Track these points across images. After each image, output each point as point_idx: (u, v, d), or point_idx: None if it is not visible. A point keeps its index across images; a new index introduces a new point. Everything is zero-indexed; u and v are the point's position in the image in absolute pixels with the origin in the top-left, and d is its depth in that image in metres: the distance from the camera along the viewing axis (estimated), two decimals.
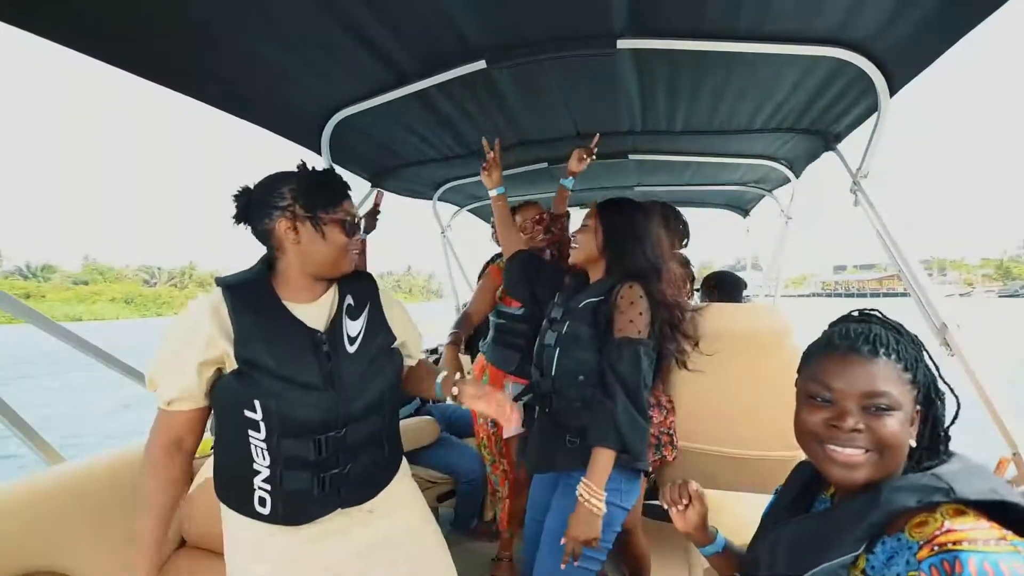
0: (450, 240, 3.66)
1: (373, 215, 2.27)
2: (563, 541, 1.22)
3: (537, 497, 1.51)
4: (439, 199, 3.21)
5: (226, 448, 1.05)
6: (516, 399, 2.01)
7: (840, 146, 1.99)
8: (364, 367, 1.07)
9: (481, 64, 1.56)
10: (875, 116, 1.61)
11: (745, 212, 3.97)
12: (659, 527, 1.94)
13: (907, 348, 0.71)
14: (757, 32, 1.40)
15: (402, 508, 1.17)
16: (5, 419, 1.35)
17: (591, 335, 1.36)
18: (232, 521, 1.06)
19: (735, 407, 1.84)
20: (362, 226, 1.54)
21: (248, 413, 0.97)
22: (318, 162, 2.03)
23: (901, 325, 0.75)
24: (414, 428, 2.26)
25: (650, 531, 1.92)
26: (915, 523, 0.62)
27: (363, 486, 1.09)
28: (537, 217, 2.14)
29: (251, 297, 1.02)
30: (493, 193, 1.83)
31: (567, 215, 2.21)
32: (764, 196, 3.35)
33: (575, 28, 1.44)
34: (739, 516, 1.24)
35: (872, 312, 0.79)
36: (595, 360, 1.34)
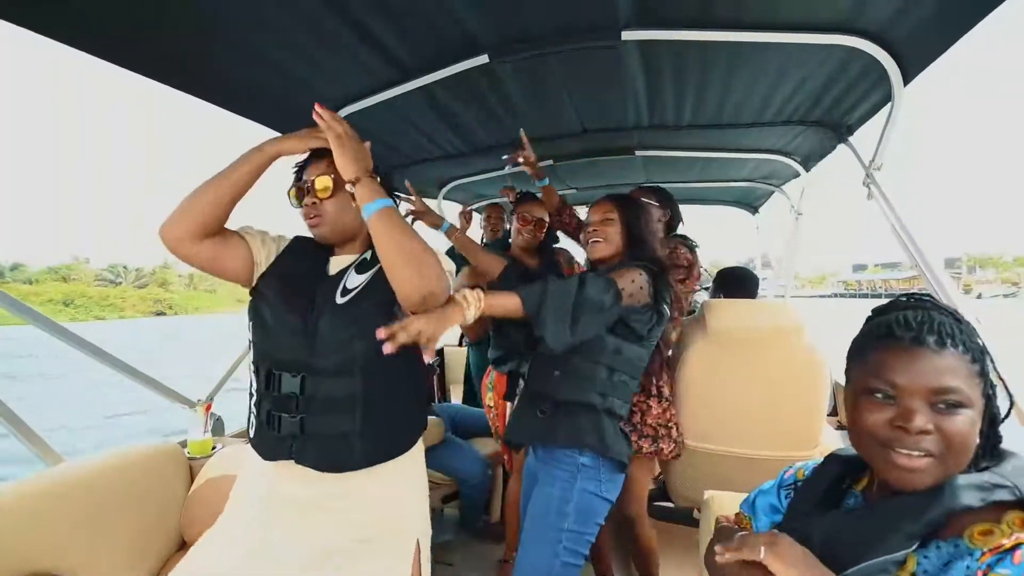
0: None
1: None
2: (405, 326, 0.97)
3: (526, 485, 1.49)
4: (444, 198, 3.20)
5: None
6: (494, 362, 2.04)
7: (851, 138, 1.94)
8: (346, 321, 1.05)
9: (484, 59, 1.55)
10: (888, 106, 1.56)
11: (754, 209, 3.92)
12: (667, 528, 1.90)
13: (971, 338, 0.66)
14: (765, 21, 1.37)
15: (366, 514, 1.07)
16: (3, 419, 1.34)
17: None
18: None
19: (747, 406, 1.80)
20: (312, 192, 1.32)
21: (249, 333, 1.10)
22: None
23: (956, 311, 0.69)
24: None
25: (659, 532, 1.88)
26: (978, 530, 0.58)
27: (320, 451, 1.04)
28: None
29: (307, 244, 1.18)
30: (441, 232, 1.90)
31: (564, 200, 2.18)
32: (773, 192, 3.30)
33: (578, 20, 1.41)
34: None
35: (924, 297, 0.72)
36: None
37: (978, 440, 0.64)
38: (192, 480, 1.67)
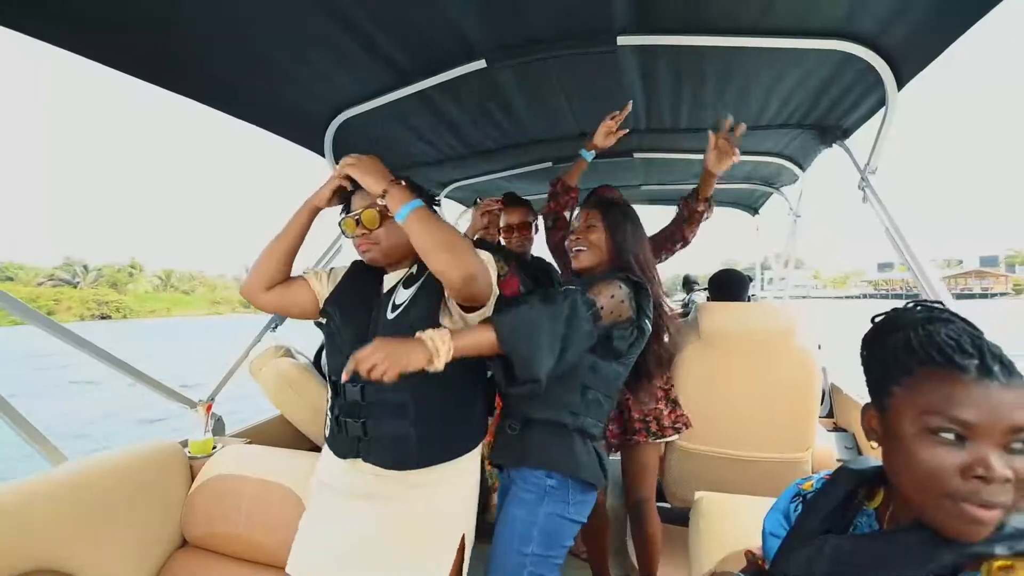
0: None
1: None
2: (371, 350, 0.93)
3: (500, 502, 1.43)
4: (446, 197, 3.21)
5: None
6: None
7: (849, 140, 1.95)
8: (394, 334, 1.05)
9: (481, 64, 1.56)
10: (883, 111, 1.57)
11: (754, 211, 3.92)
12: (668, 530, 1.91)
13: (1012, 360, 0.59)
14: (760, 26, 1.38)
15: (420, 508, 1.18)
16: (7, 418, 1.36)
17: None
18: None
19: (740, 408, 1.81)
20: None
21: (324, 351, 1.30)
22: (323, 165, 2.05)
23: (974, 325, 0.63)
24: None
25: None
26: (998, 566, 0.54)
27: (383, 451, 1.16)
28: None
29: (364, 267, 1.31)
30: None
31: (576, 190, 2.15)
32: (773, 193, 3.30)
33: (575, 25, 1.43)
34: (745, 520, 1.21)
35: (937, 305, 0.65)
36: None
37: None
38: (193, 479, 1.69)
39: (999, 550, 0.54)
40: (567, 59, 1.55)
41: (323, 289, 1.31)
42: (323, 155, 2.03)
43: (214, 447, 1.80)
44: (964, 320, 0.63)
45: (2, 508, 1.26)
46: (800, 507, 0.79)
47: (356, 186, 1.22)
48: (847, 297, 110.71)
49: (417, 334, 0.99)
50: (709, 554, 1.14)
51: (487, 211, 2.13)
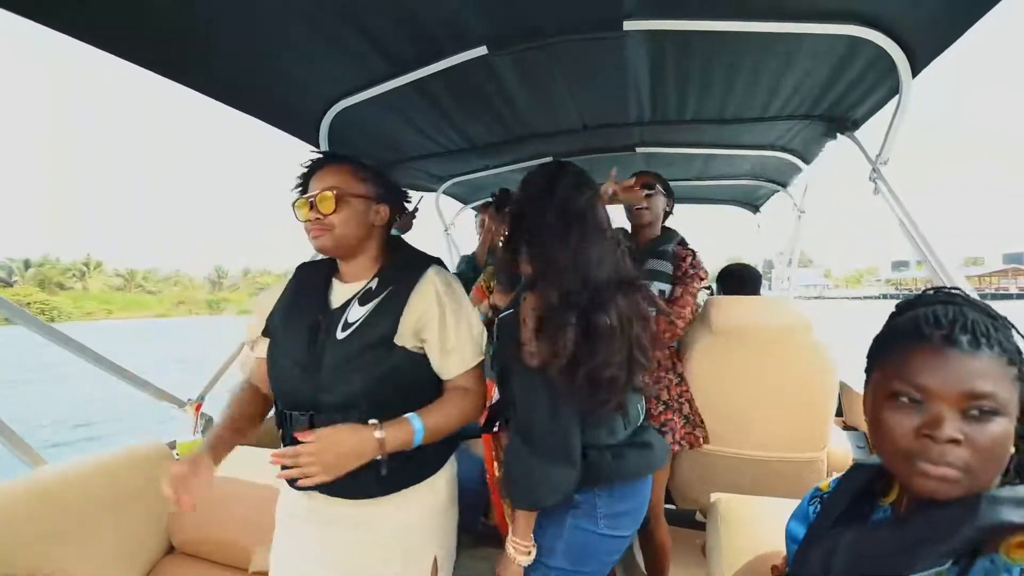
0: (454, 239, 3.59)
1: (410, 216, 2.15)
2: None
3: None
4: (443, 193, 3.16)
5: None
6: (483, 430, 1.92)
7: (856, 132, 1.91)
8: (345, 357, 1.03)
9: (482, 50, 1.51)
10: (896, 99, 1.53)
11: (756, 208, 3.90)
12: (675, 532, 1.86)
13: (1008, 338, 0.60)
14: (771, 10, 1.34)
15: (385, 534, 1.08)
16: None
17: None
18: None
19: (752, 406, 1.76)
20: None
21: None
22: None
23: (989, 306, 0.63)
24: None
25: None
26: (1016, 542, 0.54)
27: (341, 486, 0.99)
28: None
29: (309, 275, 1.17)
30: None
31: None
32: (777, 191, 3.27)
33: (580, 10, 1.38)
34: (765, 523, 1.15)
35: (955, 291, 0.66)
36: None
37: (1013, 451, 0.58)
38: None
39: (1013, 517, 0.54)
40: (571, 47, 1.50)
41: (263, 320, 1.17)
42: (318, 147, 1.97)
43: None
44: (973, 304, 0.62)
45: None
46: (818, 507, 0.79)
47: (315, 169, 1.12)
48: (865, 298, 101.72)
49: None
50: (730, 559, 1.09)
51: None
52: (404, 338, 1.05)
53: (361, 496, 1.05)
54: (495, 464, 1.71)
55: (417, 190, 3.07)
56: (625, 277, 1.09)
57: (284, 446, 1.05)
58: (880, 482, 0.73)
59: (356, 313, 1.06)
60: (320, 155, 1.13)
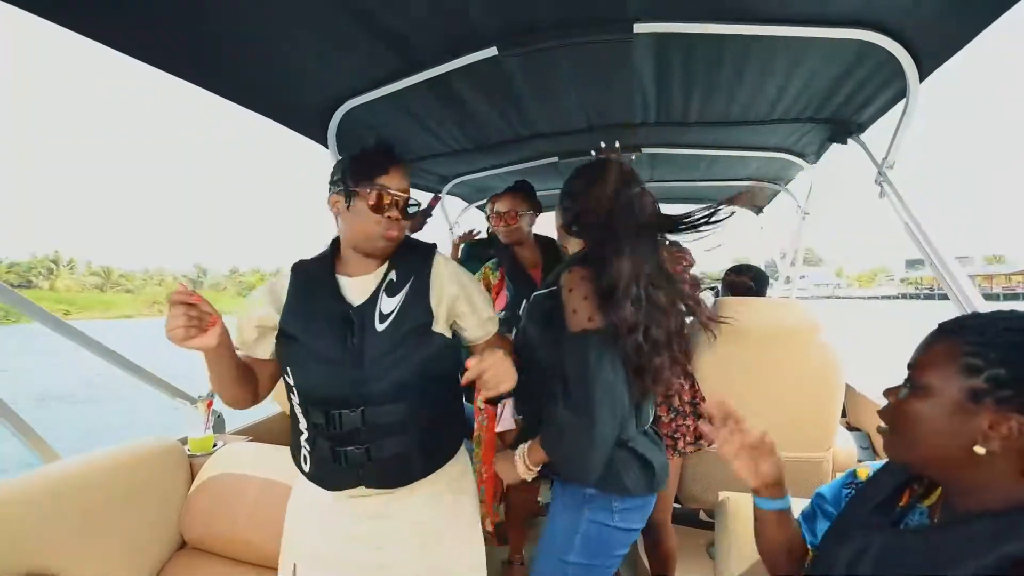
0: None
1: (424, 215, 2.12)
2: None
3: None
4: (449, 193, 3.17)
5: (291, 406, 1.13)
6: (489, 400, 1.93)
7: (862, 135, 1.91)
8: (390, 348, 1.04)
9: (492, 51, 1.51)
10: (903, 103, 1.54)
11: (759, 209, 3.90)
12: (679, 531, 1.87)
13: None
14: (780, 13, 1.34)
15: (432, 510, 1.14)
16: (1, 416, 1.31)
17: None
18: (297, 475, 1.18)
19: (758, 405, 1.76)
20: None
21: (286, 377, 1.08)
22: (325, 156, 2.00)
23: None
24: None
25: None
26: None
27: (388, 474, 1.07)
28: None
29: (310, 273, 1.13)
30: None
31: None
32: (779, 192, 3.27)
33: (590, 12, 1.39)
34: None
35: None
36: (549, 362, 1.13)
37: None
38: (193, 478, 1.64)
39: None
40: (579, 49, 1.51)
41: (269, 322, 1.11)
42: (326, 146, 1.98)
43: (215, 445, 1.75)
44: None
45: None
46: (852, 494, 0.79)
47: (390, 165, 1.09)
48: (882, 297, 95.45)
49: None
50: (738, 558, 1.10)
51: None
52: (439, 324, 1.10)
53: (402, 483, 1.09)
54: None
55: (422, 190, 3.07)
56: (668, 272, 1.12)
57: (310, 441, 1.07)
58: (920, 482, 0.72)
59: (389, 304, 1.08)
60: (387, 150, 1.11)
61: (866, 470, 0.81)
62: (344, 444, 1.03)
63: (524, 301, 1.36)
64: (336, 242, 1.17)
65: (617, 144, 1.84)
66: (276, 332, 1.10)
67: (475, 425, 2.03)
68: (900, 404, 0.65)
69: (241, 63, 1.49)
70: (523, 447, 1.16)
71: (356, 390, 1.03)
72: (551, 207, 1.87)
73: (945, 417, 0.60)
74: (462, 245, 2.81)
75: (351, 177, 1.06)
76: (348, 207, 1.06)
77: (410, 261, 1.14)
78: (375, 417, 1.03)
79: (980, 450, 0.58)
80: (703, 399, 1.80)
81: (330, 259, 1.14)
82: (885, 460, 0.77)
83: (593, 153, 2.45)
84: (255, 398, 1.14)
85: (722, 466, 1.83)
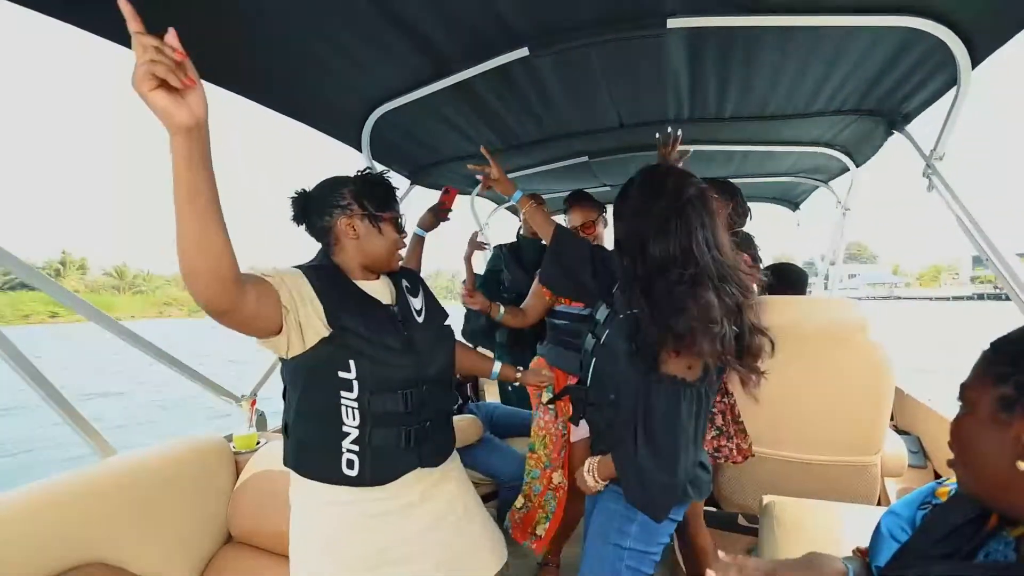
0: (488, 239, 3.62)
1: (443, 213, 2.14)
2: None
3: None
4: (478, 195, 3.19)
5: (310, 419, 1.13)
6: (550, 402, 1.93)
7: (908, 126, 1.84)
8: (433, 337, 1.24)
9: (524, 51, 1.51)
10: (953, 91, 1.47)
11: (795, 205, 3.78)
12: (717, 535, 1.83)
13: None
14: (821, 3, 1.30)
15: (456, 483, 1.31)
16: (61, 411, 1.38)
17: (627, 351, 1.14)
18: (310, 490, 1.15)
19: (803, 407, 1.71)
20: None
21: (342, 374, 1.09)
22: (359, 160, 2.05)
23: None
24: (458, 427, 2.20)
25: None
26: None
27: (438, 448, 1.24)
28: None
29: (328, 278, 1.15)
30: (516, 200, 1.72)
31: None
32: (817, 187, 3.17)
33: (623, 8, 1.37)
34: (819, 525, 1.13)
35: None
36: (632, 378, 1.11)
37: None
38: (238, 474, 1.70)
39: None
40: (611, 46, 1.49)
41: (301, 305, 1.04)
42: (360, 150, 2.02)
43: (258, 442, 1.80)
44: None
45: (54, 501, 1.27)
46: (927, 514, 0.72)
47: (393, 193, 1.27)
48: (953, 298, 77.61)
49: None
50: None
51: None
52: (447, 318, 1.34)
53: (443, 459, 1.26)
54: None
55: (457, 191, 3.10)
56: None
57: (392, 438, 1.13)
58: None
59: (417, 303, 1.27)
60: (385, 178, 1.25)
61: (946, 489, 0.74)
62: (411, 423, 1.15)
63: (603, 306, 1.37)
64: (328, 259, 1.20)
65: (680, 133, 1.76)
66: (277, 320, 0.99)
67: (533, 427, 2.03)
68: (953, 426, 0.61)
69: (277, 71, 1.53)
70: (591, 461, 1.22)
71: (414, 373, 1.16)
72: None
73: (985, 432, 0.56)
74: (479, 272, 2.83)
75: (372, 203, 1.18)
76: (375, 229, 1.18)
77: (406, 274, 1.33)
78: (432, 396, 1.19)
79: (1022, 465, 0.53)
80: (738, 415, 1.76)
81: (337, 268, 1.19)
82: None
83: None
84: (228, 268, 0.81)
85: (762, 468, 1.80)
